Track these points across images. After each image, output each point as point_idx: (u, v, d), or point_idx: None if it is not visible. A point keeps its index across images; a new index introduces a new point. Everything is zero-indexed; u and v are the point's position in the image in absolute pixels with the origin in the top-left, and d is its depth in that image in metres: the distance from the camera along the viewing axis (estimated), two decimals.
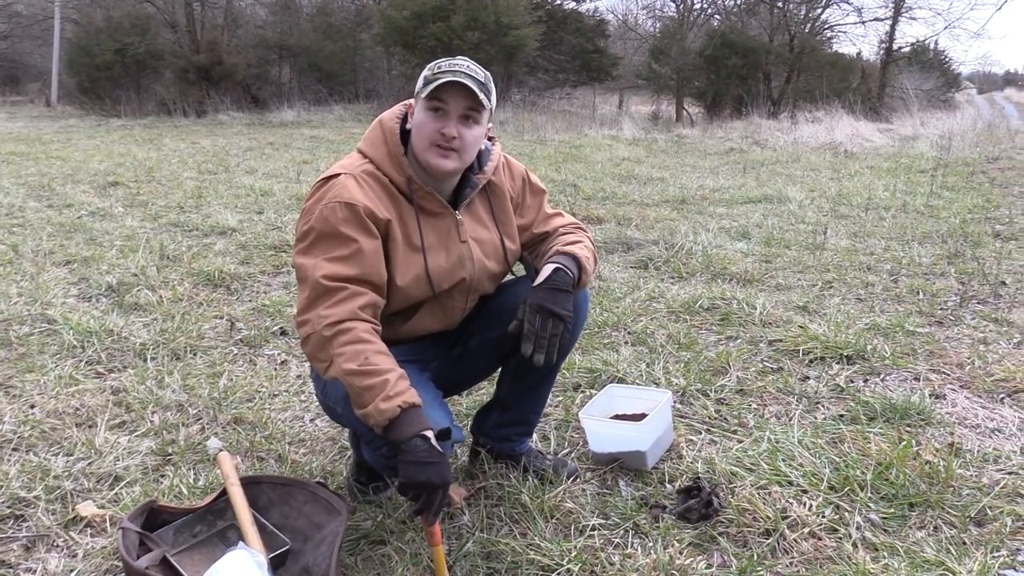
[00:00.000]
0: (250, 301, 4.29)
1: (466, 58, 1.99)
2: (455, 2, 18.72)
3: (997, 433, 2.75)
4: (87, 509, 2.25)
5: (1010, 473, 2.46)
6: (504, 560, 2.04)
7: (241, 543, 1.89)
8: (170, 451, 2.62)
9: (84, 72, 21.67)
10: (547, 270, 2.06)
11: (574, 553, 2.04)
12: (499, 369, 2.39)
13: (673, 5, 28.43)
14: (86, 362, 3.37)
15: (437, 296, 2.08)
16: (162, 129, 16.53)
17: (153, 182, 8.63)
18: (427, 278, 2.03)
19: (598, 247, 5.37)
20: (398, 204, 2.00)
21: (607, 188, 8.30)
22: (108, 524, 2.21)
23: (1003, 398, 3.04)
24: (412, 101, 2.04)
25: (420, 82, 1.96)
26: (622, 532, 2.16)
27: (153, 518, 2.01)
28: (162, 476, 2.47)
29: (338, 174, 1.97)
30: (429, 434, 1.77)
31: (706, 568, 2.00)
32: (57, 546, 2.13)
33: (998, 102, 40.36)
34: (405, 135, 2.04)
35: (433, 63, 1.97)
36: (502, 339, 2.21)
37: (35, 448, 2.63)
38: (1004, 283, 4.63)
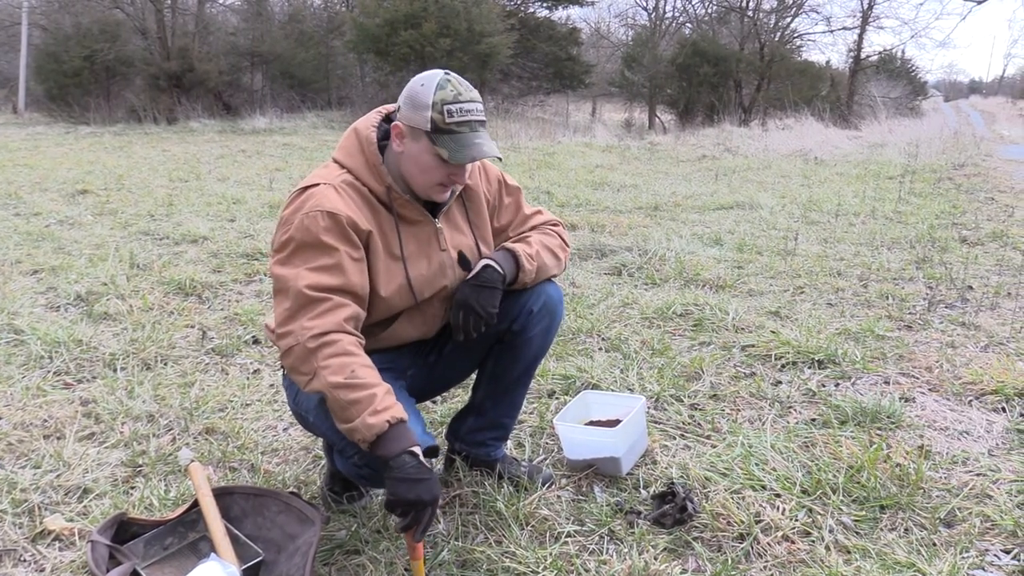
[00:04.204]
0: (222, 310, 4.25)
1: (469, 89, 1.93)
2: (427, 9, 18.74)
3: (965, 435, 2.79)
4: (55, 522, 2.21)
5: (978, 475, 2.50)
6: (480, 568, 2.03)
7: (213, 555, 1.87)
8: (140, 462, 2.59)
9: (52, 79, 21.40)
10: (478, 266, 2.08)
11: (549, 560, 2.04)
12: (474, 374, 2.38)
13: (645, 14, 28.71)
14: (54, 372, 3.32)
15: (419, 305, 2.08)
16: (132, 136, 16.35)
17: (123, 190, 8.53)
18: (409, 287, 2.02)
19: (572, 254, 5.39)
20: (377, 214, 1.99)
21: (581, 195, 8.34)
22: (77, 537, 2.17)
23: (971, 400, 3.09)
24: (396, 120, 1.94)
25: (425, 119, 1.87)
26: (597, 538, 2.17)
27: (123, 531, 1.99)
28: (132, 488, 2.43)
29: (317, 184, 1.94)
30: (417, 450, 1.75)
31: (681, 573, 2.01)
32: (24, 560, 2.09)
33: (964, 110, 41.16)
34: (379, 142, 2.02)
35: (437, 93, 1.87)
36: (476, 344, 2.22)
37: (1, 461, 2.58)
38: (971, 287, 4.71)
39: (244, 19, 25.37)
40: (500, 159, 1.95)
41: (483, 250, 2.18)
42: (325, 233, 1.86)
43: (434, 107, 1.87)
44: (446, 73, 1.92)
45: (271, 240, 1.98)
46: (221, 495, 2.05)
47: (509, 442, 2.67)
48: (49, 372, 3.32)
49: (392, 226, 2.00)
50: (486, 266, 2.06)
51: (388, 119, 2.06)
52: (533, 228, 2.27)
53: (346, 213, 1.89)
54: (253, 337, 3.78)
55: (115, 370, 3.36)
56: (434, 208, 2.09)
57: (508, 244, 2.16)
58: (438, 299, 2.12)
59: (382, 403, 1.74)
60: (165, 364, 3.45)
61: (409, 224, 2.04)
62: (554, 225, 2.31)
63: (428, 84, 1.89)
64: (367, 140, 1.99)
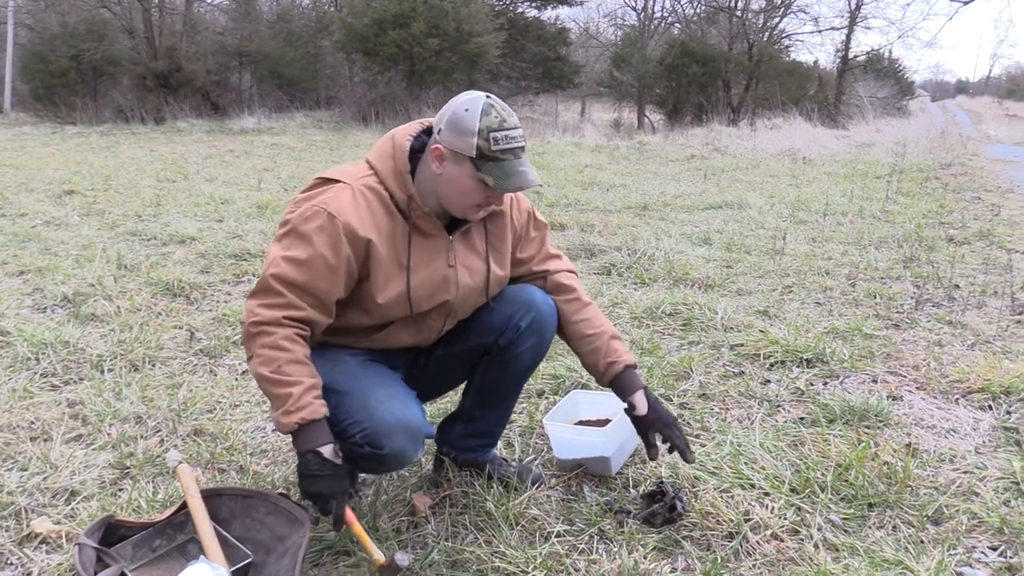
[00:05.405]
0: (210, 311, 4.23)
1: (511, 114, 1.91)
2: (415, 9, 18.71)
3: (952, 433, 2.81)
4: (42, 525, 2.20)
5: (965, 472, 2.51)
6: (470, 568, 2.03)
7: (202, 557, 1.86)
8: (128, 464, 2.57)
9: (38, 78, 21.25)
10: (641, 399, 2.21)
11: (539, 560, 2.04)
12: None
13: (634, 14, 28.74)
14: (41, 374, 3.30)
15: (415, 316, 2.08)
16: (119, 136, 16.27)
17: (110, 190, 8.48)
18: (407, 298, 2.02)
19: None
20: (393, 220, 1.98)
21: (570, 195, 8.34)
22: (64, 540, 2.16)
23: (958, 399, 3.11)
24: (437, 143, 1.92)
25: (470, 145, 1.86)
26: (587, 538, 2.17)
27: (111, 533, 1.97)
28: (120, 490, 2.42)
29: (339, 181, 1.96)
30: (323, 449, 1.85)
31: (670, 572, 2.02)
32: (11, 563, 2.07)
33: (950, 109, 41.45)
34: (414, 152, 2.00)
35: (483, 120, 1.86)
36: (466, 352, 2.23)
37: None
38: (957, 286, 4.73)
39: (232, 18, 25.27)
40: (540, 186, 1.98)
41: (494, 272, 2.15)
42: (317, 231, 1.89)
43: (480, 134, 1.86)
44: (488, 97, 1.91)
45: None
46: (210, 497, 2.04)
47: (499, 442, 2.67)
48: (36, 374, 3.30)
49: (404, 235, 2.00)
50: (646, 394, 2.23)
51: (428, 132, 2.03)
52: (555, 275, 2.27)
53: (346, 220, 1.90)
54: (241, 338, 3.76)
55: (102, 372, 3.34)
56: (452, 224, 2.08)
57: (624, 358, 2.24)
58: (437, 312, 2.12)
59: (296, 403, 1.83)
60: (153, 365, 3.43)
61: (423, 236, 2.03)
62: (572, 272, 2.33)
63: (473, 109, 1.88)
64: (399, 147, 1.99)
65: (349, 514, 1.90)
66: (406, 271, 2.01)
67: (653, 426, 2.21)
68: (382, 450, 1.89)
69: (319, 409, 1.86)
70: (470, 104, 1.89)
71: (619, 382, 2.23)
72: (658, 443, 2.22)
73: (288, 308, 1.89)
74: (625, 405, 2.24)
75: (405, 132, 2.02)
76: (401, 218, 2.00)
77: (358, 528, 1.91)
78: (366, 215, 1.94)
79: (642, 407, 2.21)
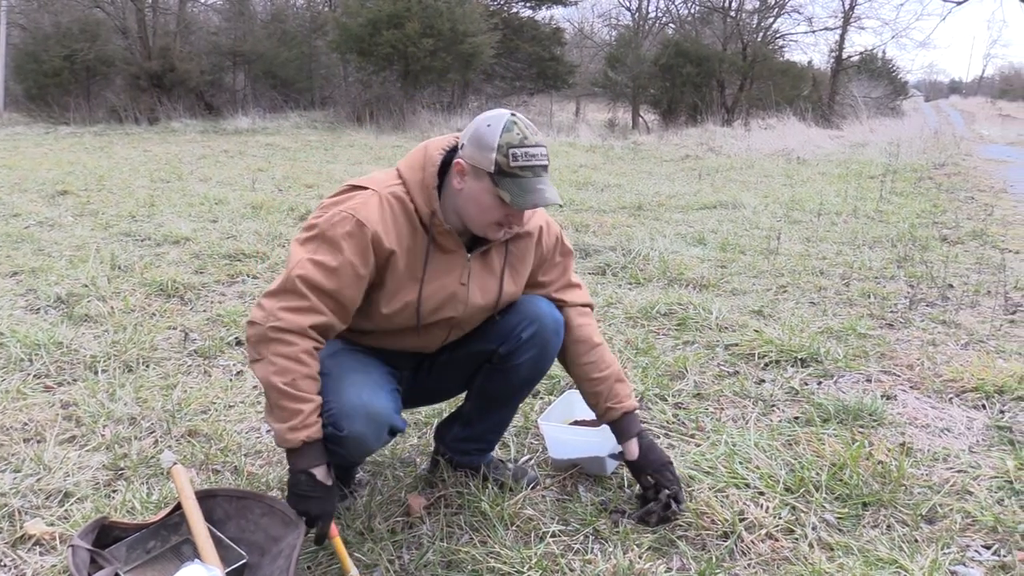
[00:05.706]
0: (204, 311, 4.22)
1: (535, 132, 1.91)
2: (410, 9, 18.68)
3: (946, 432, 2.82)
4: (36, 527, 2.19)
5: (959, 471, 2.52)
6: (465, 568, 2.03)
7: (196, 558, 1.86)
8: (122, 465, 2.56)
9: (32, 78, 21.17)
10: (632, 446, 2.24)
11: (534, 560, 2.04)
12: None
13: (628, 14, 28.79)
14: (34, 376, 3.29)
15: (420, 326, 2.08)
16: (113, 137, 16.22)
17: (104, 191, 8.45)
18: (416, 309, 2.02)
19: None
20: (414, 232, 1.98)
21: (565, 195, 8.34)
22: (58, 542, 2.15)
23: (952, 398, 3.12)
24: (459, 158, 1.93)
25: (489, 160, 1.86)
26: (582, 538, 2.17)
27: (105, 535, 1.96)
28: (114, 491, 2.41)
29: (366, 187, 1.96)
30: (316, 470, 1.87)
31: (665, 572, 2.02)
32: (4, 565, 2.07)
33: (944, 109, 41.57)
34: (445, 166, 2.00)
35: (504, 136, 1.85)
36: (468, 358, 2.23)
37: None
38: (951, 286, 4.75)
39: (226, 18, 25.21)
40: (561, 205, 1.97)
41: (506, 290, 2.14)
42: (345, 237, 1.89)
43: (499, 149, 1.85)
44: (512, 114, 1.91)
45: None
46: (204, 498, 2.04)
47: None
48: (29, 375, 3.29)
49: (423, 248, 2.00)
50: (642, 438, 2.26)
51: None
52: (568, 303, 2.26)
53: (374, 228, 1.90)
54: (236, 338, 3.76)
55: (96, 372, 3.33)
56: (473, 243, 2.08)
57: (627, 403, 2.24)
58: (442, 325, 2.12)
59: (304, 422, 1.84)
60: (147, 366, 3.43)
61: (441, 251, 2.03)
62: (588, 307, 2.31)
63: (495, 125, 1.87)
64: (430, 160, 1.98)
65: (333, 529, 1.93)
66: (419, 283, 2.01)
67: (645, 471, 2.24)
68: (341, 431, 1.89)
69: (321, 429, 1.87)
70: (493, 120, 1.89)
71: (616, 426, 2.25)
72: (651, 485, 2.25)
73: (312, 313, 1.87)
74: (620, 449, 2.28)
75: (438, 145, 2.01)
76: (423, 231, 1.99)
77: (339, 542, 1.94)
78: (391, 225, 1.94)
79: (632, 453, 2.24)
